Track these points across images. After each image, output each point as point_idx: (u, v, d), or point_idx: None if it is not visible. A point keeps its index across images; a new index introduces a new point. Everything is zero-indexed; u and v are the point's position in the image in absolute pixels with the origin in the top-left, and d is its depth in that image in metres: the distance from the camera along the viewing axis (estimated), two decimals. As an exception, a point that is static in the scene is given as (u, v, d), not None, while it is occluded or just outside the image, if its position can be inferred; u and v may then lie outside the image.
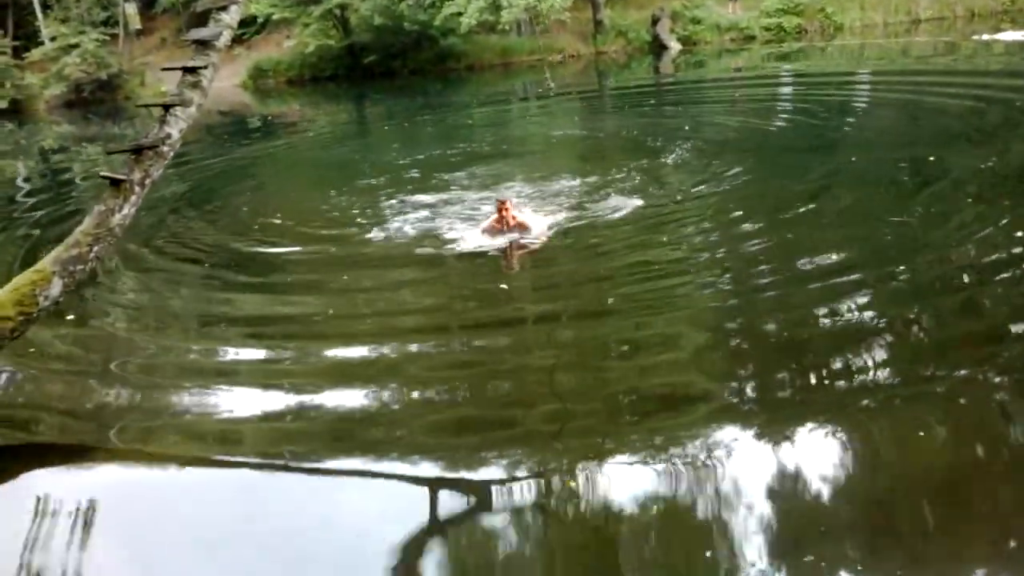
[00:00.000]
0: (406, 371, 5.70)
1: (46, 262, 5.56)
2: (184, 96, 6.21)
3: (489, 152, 15.11)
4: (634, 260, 7.64)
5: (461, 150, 15.37)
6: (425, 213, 9.94)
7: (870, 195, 9.02)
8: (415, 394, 5.35)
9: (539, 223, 8.46)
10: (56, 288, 5.48)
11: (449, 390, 5.46)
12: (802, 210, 8.52)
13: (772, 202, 8.99)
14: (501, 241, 8.08)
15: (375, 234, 9.24)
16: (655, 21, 31.83)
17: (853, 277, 6.39)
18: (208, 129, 23.36)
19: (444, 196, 10.83)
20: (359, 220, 10.09)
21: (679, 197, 9.61)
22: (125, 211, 5.82)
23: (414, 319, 6.82)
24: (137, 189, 5.88)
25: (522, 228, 8.16)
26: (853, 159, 11.03)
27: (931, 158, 10.10)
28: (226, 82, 32.18)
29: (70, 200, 14.52)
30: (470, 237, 8.35)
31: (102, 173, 6.00)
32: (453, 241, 8.44)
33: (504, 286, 7.41)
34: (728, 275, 7.01)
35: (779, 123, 15.24)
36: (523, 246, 8.07)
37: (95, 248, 5.69)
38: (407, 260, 8.26)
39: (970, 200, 8.44)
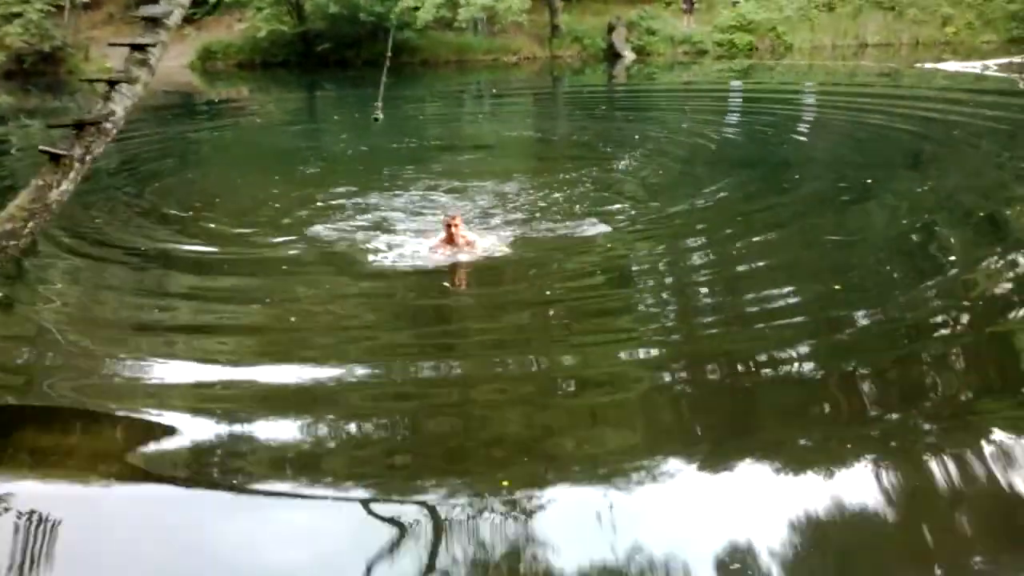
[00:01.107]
0: (344, 400, 5.32)
1: (-23, 235, 5.39)
2: (131, 73, 6.07)
3: (439, 148, 15.10)
4: (579, 284, 7.38)
5: (411, 144, 15.29)
6: (369, 214, 9.59)
7: (810, 217, 9.23)
8: (351, 427, 5.02)
9: (487, 242, 8.17)
10: (-13, 262, 5.33)
11: (388, 424, 5.12)
12: (744, 234, 8.45)
13: (716, 222, 8.98)
14: (448, 259, 7.78)
15: (316, 237, 8.74)
16: (611, 29, 32.17)
17: (793, 316, 6.36)
18: (151, 107, 22.75)
19: (390, 193, 10.72)
20: (301, 217, 9.58)
21: (625, 213, 9.50)
22: (64, 187, 5.66)
23: (354, 343, 6.27)
24: (77, 165, 5.73)
25: (470, 247, 7.90)
26: (797, 177, 11.30)
27: (869, 180, 10.41)
28: (173, 62, 31.44)
29: (5, 173, 14.06)
30: (416, 251, 7.96)
31: (41, 147, 5.81)
32: (398, 253, 7.99)
33: (450, 299, 7.25)
34: (671, 309, 6.91)
35: (726, 137, 15.50)
36: (470, 264, 7.76)
37: (30, 223, 5.52)
38: (348, 273, 7.80)
39: (904, 222, 8.72)
